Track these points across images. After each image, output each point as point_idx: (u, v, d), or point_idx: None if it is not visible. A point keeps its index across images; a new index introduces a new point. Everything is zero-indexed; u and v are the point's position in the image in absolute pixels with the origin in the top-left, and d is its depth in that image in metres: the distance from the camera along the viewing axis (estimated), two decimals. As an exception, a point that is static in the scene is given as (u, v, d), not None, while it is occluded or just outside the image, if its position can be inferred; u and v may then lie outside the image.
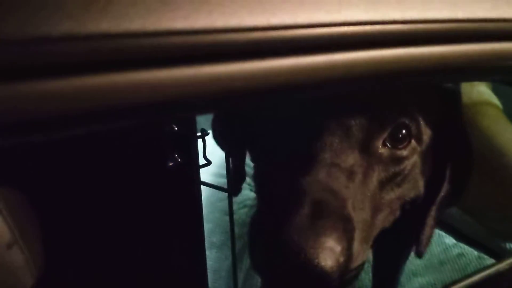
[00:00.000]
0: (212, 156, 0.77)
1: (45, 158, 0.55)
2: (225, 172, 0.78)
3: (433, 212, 0.64)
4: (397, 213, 0.60)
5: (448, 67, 0.37)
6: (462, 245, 1.19)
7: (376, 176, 0.55)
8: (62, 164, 0.55)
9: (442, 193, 0.63)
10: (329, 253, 0.44)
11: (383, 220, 0.57)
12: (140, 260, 0.61)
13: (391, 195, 0.57)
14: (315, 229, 0.45)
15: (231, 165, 0.75)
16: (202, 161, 0.69)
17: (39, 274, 0.52)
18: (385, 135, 0.55)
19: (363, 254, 0.52)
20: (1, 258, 0.48)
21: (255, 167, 0.61)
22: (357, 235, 0.50)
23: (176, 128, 0.57)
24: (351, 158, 0.53)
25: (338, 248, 0.46)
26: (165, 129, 0.57)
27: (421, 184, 0.61)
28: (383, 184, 0.56)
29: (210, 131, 0.64)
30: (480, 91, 1.11)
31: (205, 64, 0.26)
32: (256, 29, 0.27)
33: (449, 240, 1.21)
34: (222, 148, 0.73)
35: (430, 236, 0.66)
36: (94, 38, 0.22)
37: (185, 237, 0.62)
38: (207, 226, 1.37)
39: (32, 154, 0.55)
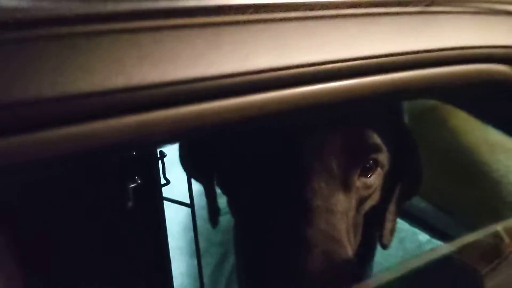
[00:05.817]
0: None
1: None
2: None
3: (391, 208, 0.67)
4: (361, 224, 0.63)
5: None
6: (435, 241, 1.21)
7: (354, 207, 0.58)
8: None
9: (396, 194, 0.66)
10: None
11: (358, 239, 0.61)
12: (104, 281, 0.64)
13: (360, 216, 0.60)
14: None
15: (206, 199, 0.77)
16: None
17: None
18: (359, 169, 0.57)
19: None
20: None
21: (230, 207, 0.65)
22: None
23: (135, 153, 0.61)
24: (341, 201, 0.55)
25: None
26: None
27: (378, 194, 0.63)
28: (358, 211, 0.59)
29: (167, 154, 0.69)
30: (446, 92, 1.12)
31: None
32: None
33: (423, 237, 1.23)
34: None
35: (392, 230, 0.69)
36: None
37: (149, 252, 0.66)
38: (189, 234, 1.41)
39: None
